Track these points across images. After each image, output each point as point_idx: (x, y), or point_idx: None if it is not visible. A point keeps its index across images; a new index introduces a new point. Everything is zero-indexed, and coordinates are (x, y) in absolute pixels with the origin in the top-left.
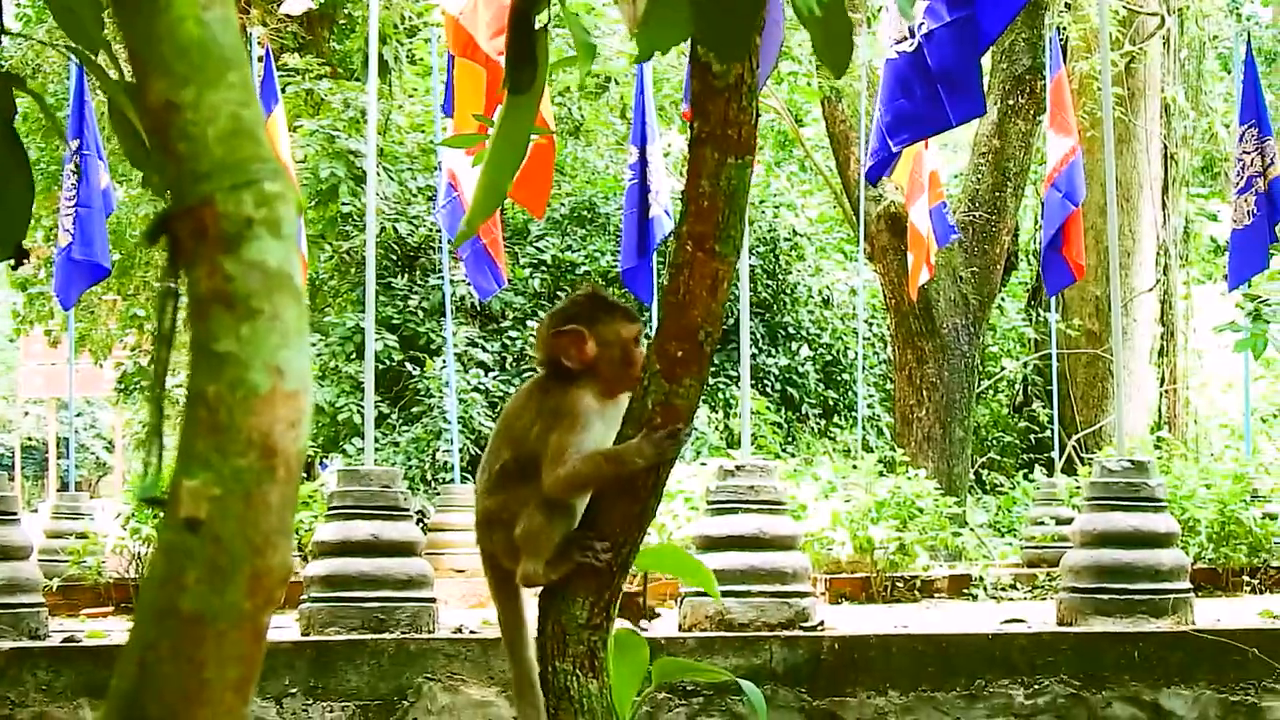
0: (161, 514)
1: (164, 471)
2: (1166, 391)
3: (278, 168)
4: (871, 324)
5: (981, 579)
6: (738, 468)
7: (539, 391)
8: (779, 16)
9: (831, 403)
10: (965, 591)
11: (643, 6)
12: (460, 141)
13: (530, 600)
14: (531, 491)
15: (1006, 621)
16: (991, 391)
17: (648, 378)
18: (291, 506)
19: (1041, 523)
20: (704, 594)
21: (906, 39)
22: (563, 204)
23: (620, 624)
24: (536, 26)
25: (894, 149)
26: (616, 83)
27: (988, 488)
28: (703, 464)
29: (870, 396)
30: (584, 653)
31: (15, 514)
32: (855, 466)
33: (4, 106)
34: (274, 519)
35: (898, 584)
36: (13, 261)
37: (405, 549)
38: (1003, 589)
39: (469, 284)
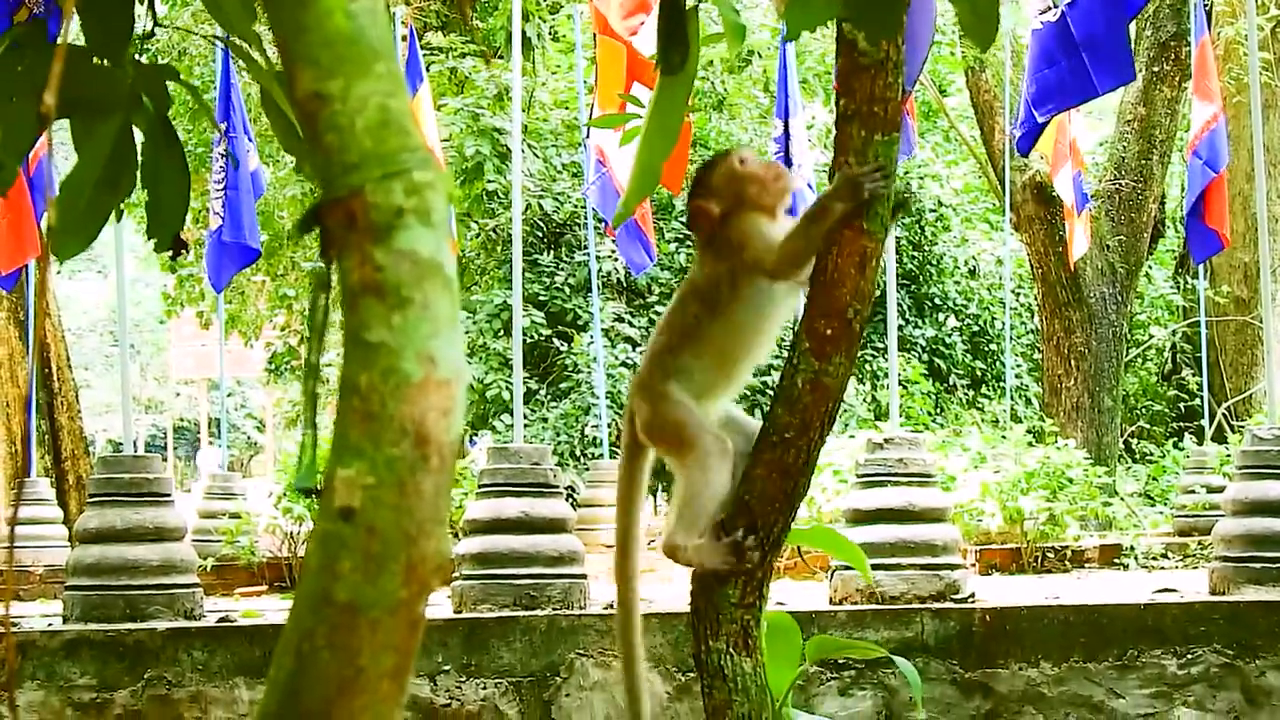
0: (317, 503)
1: (319, 461)
2: None
3: (427, 157)
4: (1018, 294)
5: (1132, 549)
6: (886, 440)
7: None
8: (931, 3)
9: (979, 373)
10: (1116, 561)
11: None
12: (606, 122)
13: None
14: (684, 358)
15: (1159, 591)
16: (1140, 360)
17: (797, 355)
18: (446, 494)
19: (1192, 491)
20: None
21: (1051, 8)
22: None
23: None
24: (688, 5)
25: (1040, 119)
26: (760, 56)
27: (1137, 456)
28: (851, 436)
29: (1018, 366)
30: (737, 631)
31: (169, 495)
32: (1004, 437)
33: (159, 100)
34: (428, 507)
35: (1048, 554)
36: (170, 252)
37: (556, 525)
38: (1154, 558)
39: (615, 259)
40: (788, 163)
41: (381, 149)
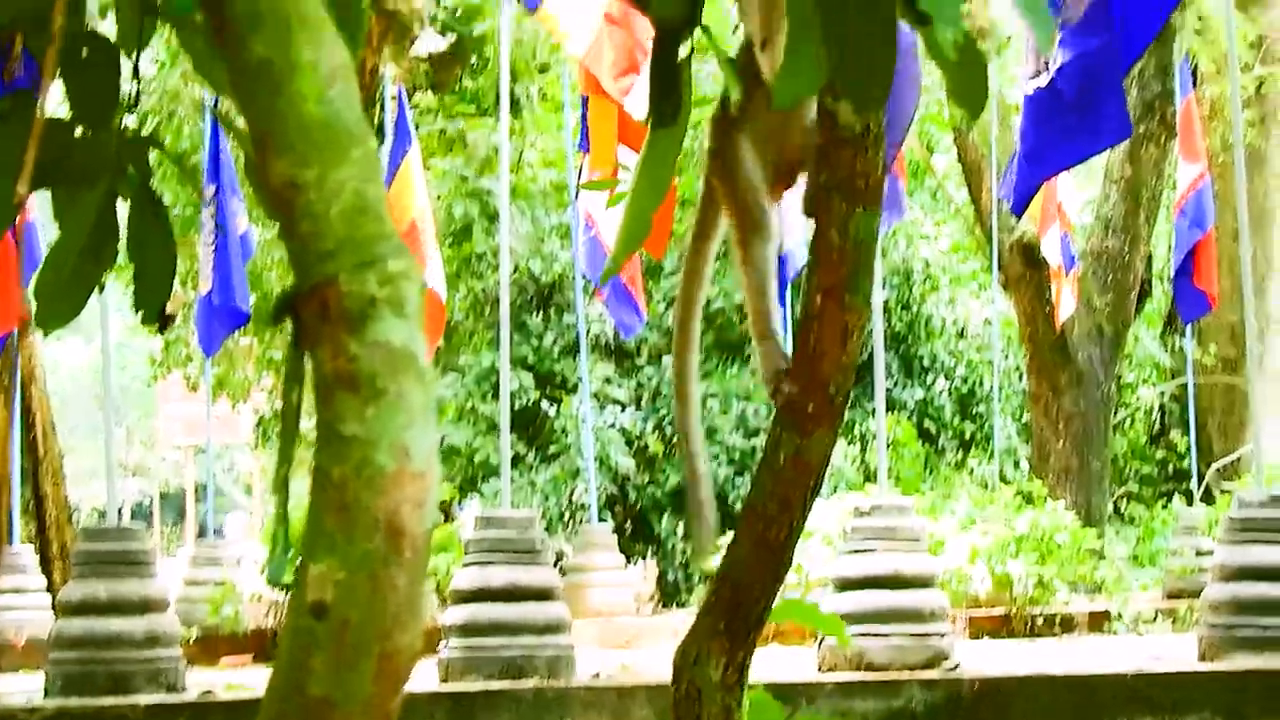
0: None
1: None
2: None
3: (401, 245)
4: (1007, 355)
5: (1120, 615)
6: (874, 507)
7: None
8: (918, 71)
9: (968, 435)
10: (1106, 626)
11: (780, 53)
12: (598, 185)
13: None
14: None
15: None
16: (1129, 421)
17: (779, 429)
18: (420, 584)
19: (1181, 554)
20: None
21: (1041, 73)
22: None
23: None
24: (680, 57)
25: (1036, 183)
26: None
27: (1126, 518)
28: (840, 499)
29: (1007, 428)
30: (718, 714)
31: (153, 566)
32: (993, 500)
33: (143, 169)
34: (401, 600)
35: (1037, 619)
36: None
37: (543, 594)
38: (1144, 622)
39: (604, 321)
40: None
41: (356, 237)
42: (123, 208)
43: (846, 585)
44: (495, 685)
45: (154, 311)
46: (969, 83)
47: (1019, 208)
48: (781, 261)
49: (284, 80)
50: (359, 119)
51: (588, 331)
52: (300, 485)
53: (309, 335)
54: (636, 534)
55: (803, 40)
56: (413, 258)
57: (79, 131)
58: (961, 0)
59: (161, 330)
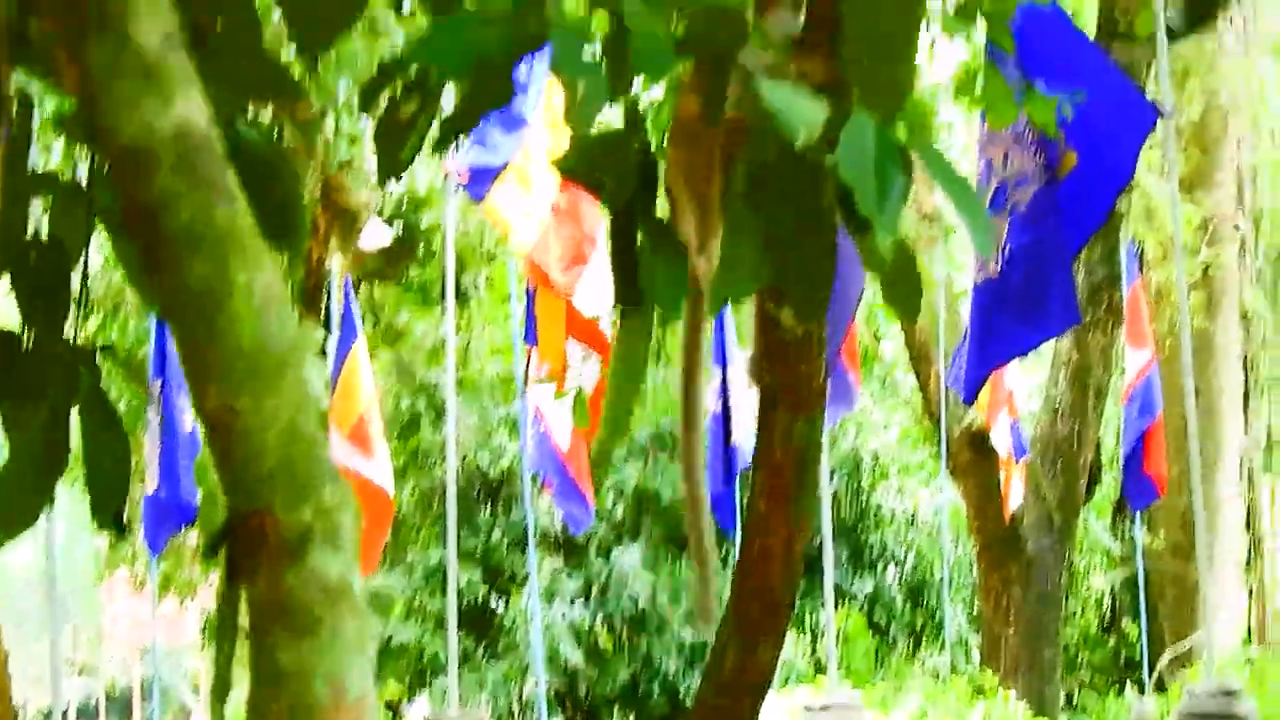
0: None
1: None
2: (1256, 603)
3: (336, 473)
4: (958, 544)
5: None
6: (823, 707)
7: None
8: (859, 271)
9: (919, 625)
10: None
11: (716, 257)
12: (546, 381)
13: None
14: None
15: None
16: (1080, 610)
17: (725, 635)
18: None
19: None
20: None
21: (990, 264)
22: (643, 430)
23: None
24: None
25: (985, 372)
26: None
27: (1080, 708)
28: (790, 693)
29: (958, 618)
30: None
31: None
32: (945, 692)
33: (94, 377)
34: None
35: None
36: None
37: None
38: None
39: (553, 514)
40: (727, 414)
41: (291, 466)
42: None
43: None
44: None
45: (110, 516)
46: (904, 290)
47: (969, 397)
48: (731, 454)
49: (218, 305)
50: (293, 343)
51: (536, 525)
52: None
53: (244, 566)
54: None
55: (739, 245)
56: (348, 486)
57: (27, 342)
58: (900, 206)
59: (120, 534)
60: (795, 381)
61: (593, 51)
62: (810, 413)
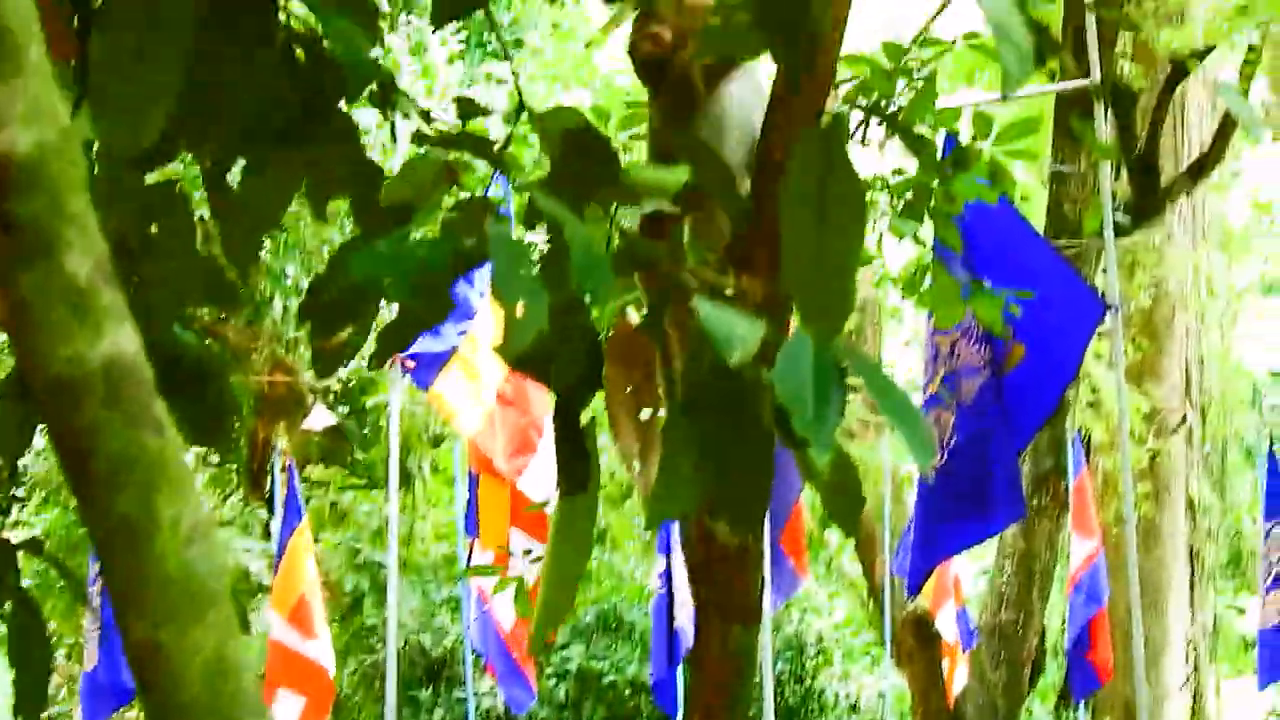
0: None
1: None
2: None
3: (261, 705)
4: None
5: None
6: None
7: None
8: (796, 479)
9: None
10: None
11: (654, 472)
12: (485, 571)
13: None
14: None
15: None
16: None
17: None
18: None
19: None
20: None
21: (937, 459)
22: (588, 611)
23: None
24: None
25: (931, 565)
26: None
27: None
28: None
29: None
30: None
31: None
32: None
33: (16, 577)
34: None
35: None
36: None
37: None
38: None
39: (495, 695)
40: (671, 599)
41: (215, 702)
42: None
43: None
44: None
45: (34, 715)
46: (844, 502)
47: (914, 589)
48: (675, 638)
49: (144, 539)
50: (218, 577)
51: (478, 707)
52: None
53: None
54: None
55: (678, 460)
56: (273, 717)
57: None
58: (837, 424)
59: None
60: (732, 593)
61: (532, 270)
62: (747, 622)
